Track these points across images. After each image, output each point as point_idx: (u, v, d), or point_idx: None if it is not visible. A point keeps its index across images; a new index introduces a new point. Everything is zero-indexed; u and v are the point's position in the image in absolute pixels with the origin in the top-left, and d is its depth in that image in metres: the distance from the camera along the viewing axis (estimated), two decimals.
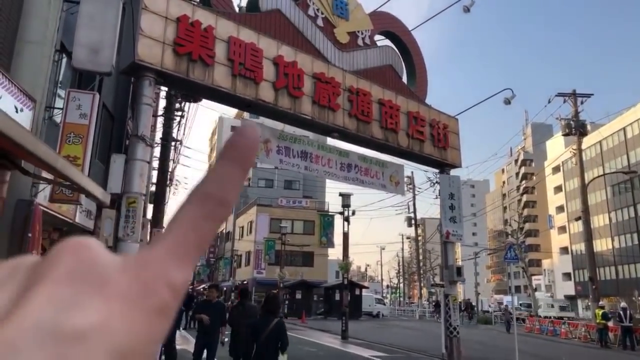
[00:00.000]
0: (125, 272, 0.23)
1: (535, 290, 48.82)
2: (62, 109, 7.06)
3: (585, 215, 25.19)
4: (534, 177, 75.16)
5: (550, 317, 33.33)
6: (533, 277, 54.00)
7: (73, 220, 8.47)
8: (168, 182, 17.45)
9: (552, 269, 68.20)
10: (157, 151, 16.33)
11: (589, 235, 24.85)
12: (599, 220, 54.04)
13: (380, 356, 14.40)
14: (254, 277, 40.33)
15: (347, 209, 22.14)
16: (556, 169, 64.83)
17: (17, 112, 6.03)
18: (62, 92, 7.86)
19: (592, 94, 25.32)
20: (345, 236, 22.02)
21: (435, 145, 13.19)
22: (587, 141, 47.39)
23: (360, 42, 11.82)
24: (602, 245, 52.79)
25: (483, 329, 30.71)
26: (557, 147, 60.11)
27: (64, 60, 7.96)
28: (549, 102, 25.46)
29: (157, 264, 0.24)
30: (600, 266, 45.95)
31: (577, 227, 50.28)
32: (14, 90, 6.05)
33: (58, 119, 7.35)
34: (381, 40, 12.79)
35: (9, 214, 6.39)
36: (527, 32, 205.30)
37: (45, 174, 6.25)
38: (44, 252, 5.16)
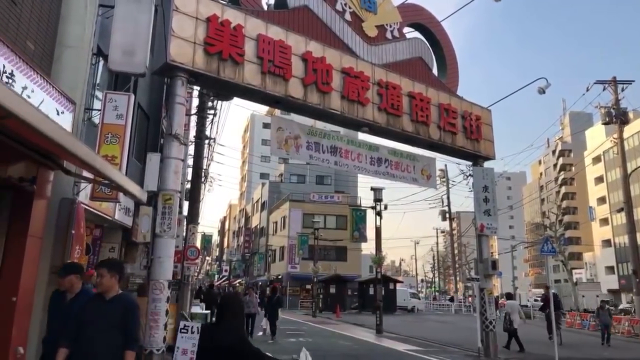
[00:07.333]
0: None
1: (576, 284, 47.39)
2: (99, 110, 7.31)
3: (627, 207, 24.29)
4: (573, 168, 72.86)
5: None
6: (574, 271, 52.47)
7: (113, 218, 8.79)
8: (202, 180, 17.82)
9: (594, 262, 66.11)
10: (191, 149, 16.73)
11: (632, 226, 23.95)
12: None
13: (414, 350, 14.34)
14: (288, 271, 40.77)
15: (378, 203, 22.05)
16: (597, 159, 62.69)
17: (58, 114, 6.30)
18: (99, 94, 8.16)
19: (634, 81, 24.33)
20: (378, 230, 21.95)
21: (467, 137, 13.01)
22: (629, 129, 45.48)
23: (389, 35, 11.75)
24: None
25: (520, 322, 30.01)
26: (597, 137, 58.06)
27: (101, 63, 8.25)
28: (587, 90, 24.61)
29: None
30: None
31: (620, 218, 48.49)
32: (55, 94, 6.32)
33: (96, 120, 7.63)
34: (410, 33, 12.68)
35: (54, 212, 6.69)
36: (562, 17, 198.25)
37: (85, 173, 6.52)
38: (87, 248, 5.35)
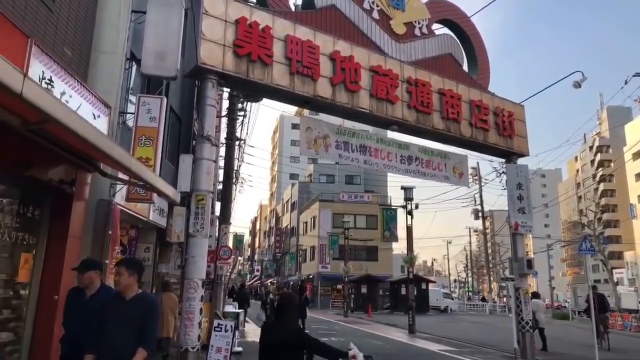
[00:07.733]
0: None
1: (617, 284, 45.73)
2: (133, 113, 7.50)
3: None
4: (612, 164, 70.38)
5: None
6: (614, 271, 50.67)
7: (147, 218, 9.00)
8: (233, 180, 18.05)
9: (635, 262, 63.64)
10: (222, 150, 16.96)
11: None
12: None
13: (448, 350, 14.14)
14: (319, 271, 40.80)
15: (409, 202, 21.84)
16: (637, 155, 60.36)
17: (94, 118, 6.50)
18: (132, 98, 8.37)
19: None
20: (409, 230, 21.74)
21: (500, 134, 12.75)
22: None
23: (417, 32, 11.63)
24: None
25: (559, 324, 29.24)
26: (637, 131, 55.98)
27: (134, 67, 8.46)
28: (626, 83, 23.62)
29: None
30: None
31: None
32: (92, 98, 6.52)
33: (130, 123, 7.83)
34: (439, 29, 12.51)
35: (91, 213, 6.90)
36: (598, 7, 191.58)
37: (121, 175, 6.69)
38: (123, 248, 5.48)
